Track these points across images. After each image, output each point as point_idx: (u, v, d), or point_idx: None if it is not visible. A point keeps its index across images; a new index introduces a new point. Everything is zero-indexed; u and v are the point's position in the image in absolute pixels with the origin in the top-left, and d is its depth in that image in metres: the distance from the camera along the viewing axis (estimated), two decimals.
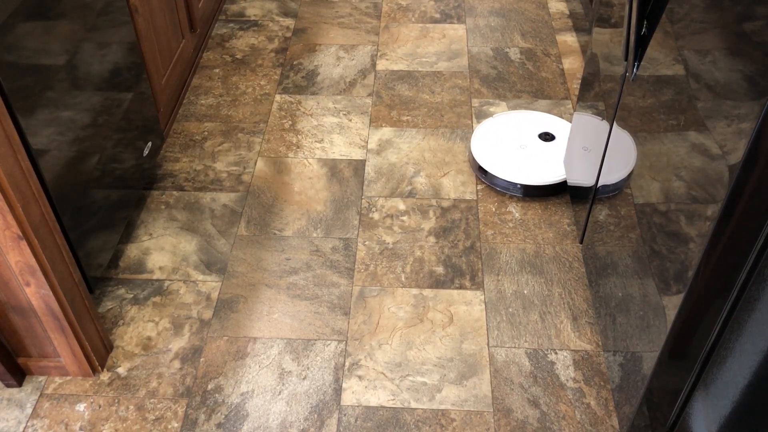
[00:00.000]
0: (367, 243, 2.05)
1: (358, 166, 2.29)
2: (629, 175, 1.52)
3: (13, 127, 1.37)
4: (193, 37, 2.57)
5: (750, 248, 1.08)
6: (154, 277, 1.97)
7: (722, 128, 1.10)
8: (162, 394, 1.70)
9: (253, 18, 2.98)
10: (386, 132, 2.41)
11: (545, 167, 2.17)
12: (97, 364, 1.73)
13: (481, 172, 2.20)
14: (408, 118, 2.46)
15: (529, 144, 2.20)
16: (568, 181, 2.09)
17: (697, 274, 1.16)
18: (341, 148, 2.35)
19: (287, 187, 2.22)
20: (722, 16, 1.14)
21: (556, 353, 1.77)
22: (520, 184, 2.12)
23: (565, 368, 1.74)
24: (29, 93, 1.49)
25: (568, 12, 2.96)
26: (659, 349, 1.30)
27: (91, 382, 1.73)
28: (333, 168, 2.28)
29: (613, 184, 1.64)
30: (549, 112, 2.47)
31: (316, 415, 1.66)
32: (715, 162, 1.12)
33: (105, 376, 1.74)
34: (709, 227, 1.12)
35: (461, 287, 1.92)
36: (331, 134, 2.40)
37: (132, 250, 2.04)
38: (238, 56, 2.76)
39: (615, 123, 1.64)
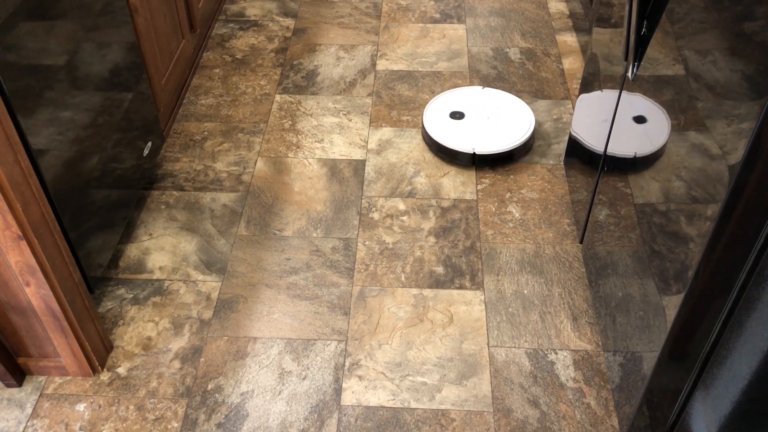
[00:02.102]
0: (367, 243, 2.05)
1: (358, 166, 2.29)
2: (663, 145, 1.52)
3: (13, 127, 1.37)
4: (193, 37, 2.57)
5: (750, 248, 1.08)
6: (154, 277, 1.97)
7: (722, 128, 1.10)
8: (162, 394, 1.70)
9: (253, 18, 2.98)
10: (386, 132, 2.41)
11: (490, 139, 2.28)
12: (97, 364, 1.73)
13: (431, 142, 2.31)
14: (408, 118, 2.46)
15: (446, 121, 2.34)
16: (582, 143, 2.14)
17: (697, 274, 1.16)
18: (341, 148, 2.35)
19: (287, 187, 2.22)
20: (722, 16, 1.14)
21: (556, 353, 1.77)
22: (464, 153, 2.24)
23: (565, 368, 1.74)
24: (29, 93, 1.49)
25: (568, 12, 2.96)
26: (659, 349, 1.30)
27: (91, 382, 1.73)
28: (333, 168, 2.28)
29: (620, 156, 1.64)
30: (549, 112, 2.47)
31: (316, 415, 1.66)
32: (715, 162, 1.12)
33: (105, 376, 1.74)
34: (709, 227, 1.12)
35: (461, 287, 1.92)
36: (331, 134, 2.40)
37: (132, 250, 2.04)
38: (238, 56, 2.76)
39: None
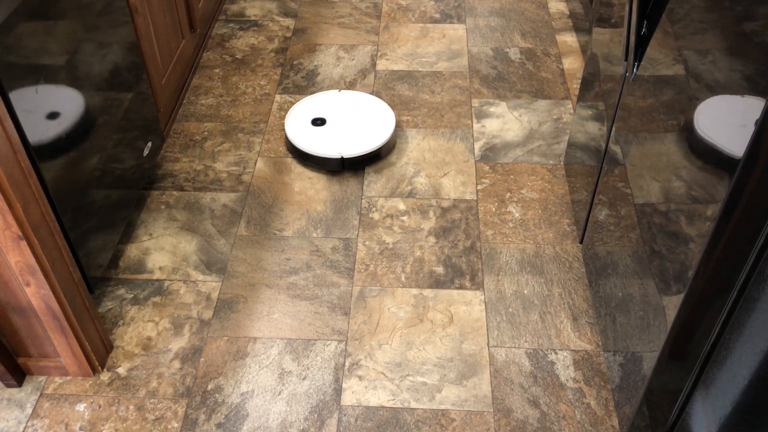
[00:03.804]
0: (367, 243, 2.05)
1: (358, 166, 2.29)
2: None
3: (13, 127, 1.37)
4: (193, 37, 2.57)
5: (750, 248, 1.08)
6: (154, 277, 1.97)
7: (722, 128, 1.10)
8: (162, 394, 1.70)
9: (253, 18, 2.98)
10: None
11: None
12: (97, 364, 1.73)
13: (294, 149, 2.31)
14: (408, 118, 2.46)
15: (308, 126, 2.34)
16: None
17: (697, 274, 1.16)
18: None
19: (287, 187, 2.22)
20: (722, 16, 1.14)
21: (556, 353, 1.77)
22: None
23: (565, 368, 1.74)
24: (29, 93, 1.49)
25: (568, 12, 2.96)
26: (659, 349, 1.30)
27: (91, 382, 1.73)
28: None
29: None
30: (549, 112, 2.48)
31: (316, 415, 1.66)
32: (715, 162, 1.12)
33: (105, 376, 1.74)
34: (709, 227, 1.12)
35: (461, 287, 1.92)
36: None
37: (132, 250, 2.04)
38: (238, 56, 2.76)
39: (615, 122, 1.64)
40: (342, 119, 2.34)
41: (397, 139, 2.34)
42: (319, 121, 2.32)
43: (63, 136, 1.62)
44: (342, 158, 2.22)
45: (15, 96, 1.43)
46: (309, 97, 2.46)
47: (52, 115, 1.58)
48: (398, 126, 2.43)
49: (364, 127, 2.32)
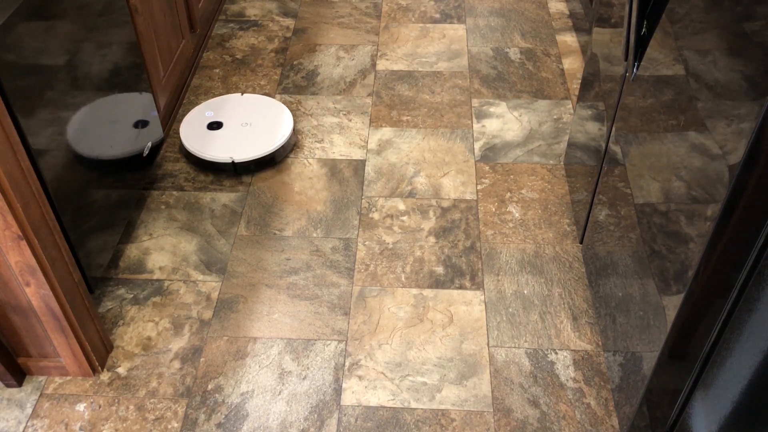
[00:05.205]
0: (367, 243, 2.05)
1: (358, 166, 2.29)
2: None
3: (13, 127, 1.37)
4: (193, 37, 2.57)
5: (750, 248, 1.08)
6: (154, 277, 1.97)
7: (722, 128, 1.10)
8: (162, 394, 1.70)
9: (253, 18, 2.98)
10: (386, 132, 2.41)
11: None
12: (97, 364, 1.73)
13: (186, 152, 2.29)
14: (408, 118, 2.46)
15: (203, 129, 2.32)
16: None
17: (697, 274, 1.16)
18: (341, 148, 2.35)
19: (287, 187, 2.22)
20: (722, 16, 1.14)
21: (556, 353, 1.77)
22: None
23: (565, 368, 1.74)
24: (29, 93, 1.49)
25: (568, 12, 2.96)
26: (659, 349, 1.30)
27: (91, 382, 1.73)
28: (333, 168, 2.28)
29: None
30: (549, 112, 2.48)
31: (316, 415, 1.66)
32: (715, 162, 1.12)
33: (105, 376, 1.74)
34: (709, 227, 1.12)
35: (461, 287, 1.92)
36: (331, 134, 2.40)
37: (132, 250, 2.04)
38: (238, 56, 2.76)
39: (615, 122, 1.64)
40: (239, 123, 2.32)
41: (294, 140, 2.30)
42: (215, 125, 2.29)
43: (63, 136, 1.62)
44: (233, 162, 2.20)
45: (15, 96, 1.43)
46: (209, 100, 2.43)
47: (52, 115, 1.58)
48: (398, 126, 2.43)
49: (260, 131, 2.29)
